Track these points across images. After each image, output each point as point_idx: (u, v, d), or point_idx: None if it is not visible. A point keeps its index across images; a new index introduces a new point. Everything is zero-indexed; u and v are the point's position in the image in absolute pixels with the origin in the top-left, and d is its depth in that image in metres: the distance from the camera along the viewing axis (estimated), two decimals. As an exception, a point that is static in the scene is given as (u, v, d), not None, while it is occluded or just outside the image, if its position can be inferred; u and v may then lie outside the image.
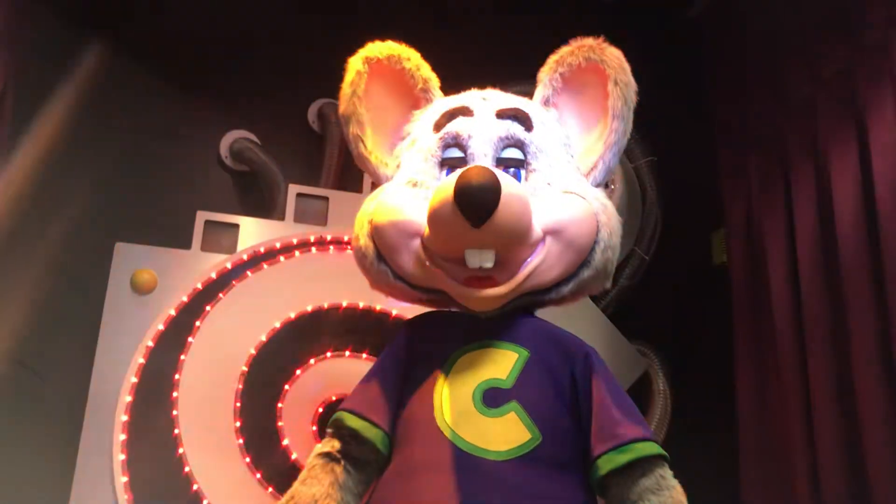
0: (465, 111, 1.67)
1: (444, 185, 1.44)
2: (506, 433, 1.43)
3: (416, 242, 1.56)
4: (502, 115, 1.65)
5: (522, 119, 1.66)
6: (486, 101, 1.70)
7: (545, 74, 1.74)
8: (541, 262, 1.54)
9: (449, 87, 1.80)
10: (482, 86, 1.80)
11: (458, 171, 1.43)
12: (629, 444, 1.43)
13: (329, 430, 1.57)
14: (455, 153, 1.63)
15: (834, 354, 2.26)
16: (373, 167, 1.72)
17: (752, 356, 2.59)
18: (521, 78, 2.56)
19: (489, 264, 1.46)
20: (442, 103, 1.74)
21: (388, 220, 1.57)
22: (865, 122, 2.21)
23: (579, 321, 2.16)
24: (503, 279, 1.51)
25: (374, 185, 1.77)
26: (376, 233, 1.59)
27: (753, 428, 2.54)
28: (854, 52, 2.27)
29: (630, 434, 1.44)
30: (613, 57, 1.66)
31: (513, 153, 1.63)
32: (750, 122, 2.74)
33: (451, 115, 1.67)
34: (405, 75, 1.75)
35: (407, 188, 1.62)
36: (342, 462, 1.52)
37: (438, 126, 1.67)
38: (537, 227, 1.53)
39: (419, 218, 1.54)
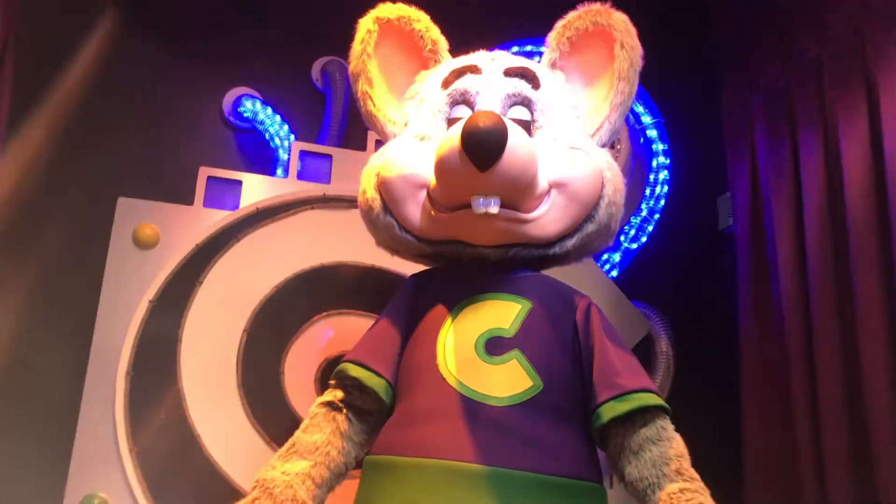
0: (473, 69, 1.69)
1: (452, 132, 1.46)
2: (507, 380, 1.44)
3: (423, 194, 1.58)
4: (510, 73, 1.68)
5: (530, 77, 1.69)
6: (494, 60, 1.73)
7: (553, 38, 1.78)
8: (545, 214, 1.55)
9: (457, 51, 1.81)
10: (489, 47, 1.81)
11: (465, 118, 1.44)
12: (631, 394, 1.44)
13: (332, 381, 1.58)
14: (463, 110, 1.65)
15: (839, 319, 2.25)
16: (380, 125, 1.75)
17: (756, 321, 2.58)
18: (528, 38, 2.56)
19: (494, 209, 1.46)
20: (451, 62, 1.77)
21: (395, 173, 1.59)
22: (875, 84, 2.18)
23: (584, 281, 2.16)
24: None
25: (380, 144, 1.78)
26: (384, 185, 1.61)
27: (757, 391, 2.53)
28: (864, 12, 2.24)
29: (632, 384, 1.45)
30: (620, 21, 1.70)
31: (520, 112, 1.65)
32: (757, 84, 2.71)
33: (459, 73, 1.69)
34: (414, 36, 1.78)
35: (414, 142, 1.64)
36: (344, 411, 1.54)
37: (447, 83, 1.69)
38: (543, 181, 1.54)
39: (426, 170, 1.56)
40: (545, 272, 1.68)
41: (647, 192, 2.74)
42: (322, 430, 1.51)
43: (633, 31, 1.70)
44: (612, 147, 2.38)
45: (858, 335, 2.15)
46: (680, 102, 2.84)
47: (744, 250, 2.68)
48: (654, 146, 2.74)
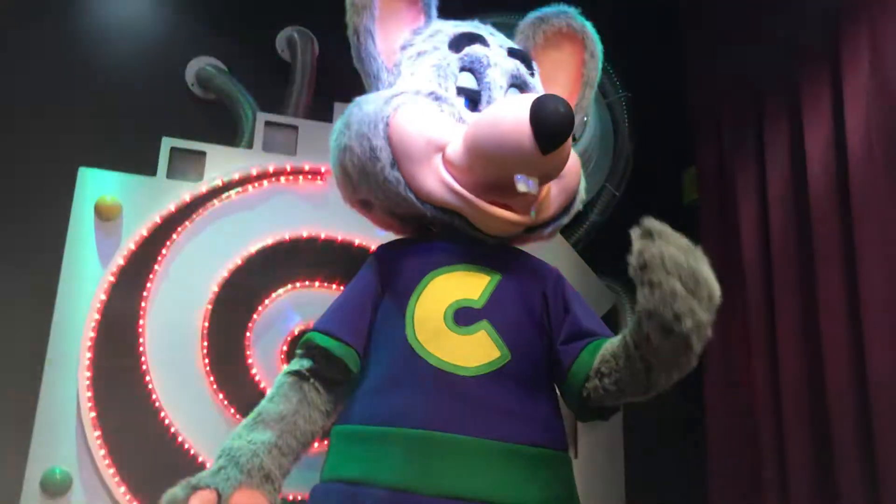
0: (481, 39, 1.69)
1: (515, 107, 1.42)
2: (476, 350, 1.44)
3: (438, 157, 1.53)
4: (513, 53, 1.71)
5: (528, 62, 1.73)
6: (493, 36, 1.74)
7: (528, 28, 1.81)
8: (542, 200, 1.57)
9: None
10: (455, 14, 1.80)
11: (526, 96, 1.44)
12: (592, 342, 1.45)
13: (299, 351, 1.56)
14: (468, 77, 1.65)
15: (801, 295, 2.29)
16: (375, 68, 1.67)
17: (721, 294, 2.61)
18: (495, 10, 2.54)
19: (535, 190, 1.45)
20: (452, 25, 1.75)
21: (417, 130, 1.52)
22: (840, 64, 2.21)
23: (550, 254, 2.16)
24: (521, 209, 1.52)
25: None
26: (399, 138, 1.52)
27: (719, 365, 2.57)
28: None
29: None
30: (590, 30, 1.79)
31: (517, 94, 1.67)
32: (724, 61, 2.73)
33: (469, 39, 1.68)
34: None
35: (430, 100, 1.58)
36: (311, 380, 1.51)
37: (456, 46, 1.67)
38: None
39: (444, 133, 1.53)
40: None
41: (612, 165, 2.75)
42: (289, 400, 1.48)
43: (599, 44, 1.79)
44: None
45: (819, 309, 2.19)
46: (645, 76, 2.85)
47: (708, 224, 2.72)
48: (619, 119, 2.75)
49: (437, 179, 1.52)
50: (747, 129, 2.58)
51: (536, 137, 1.37)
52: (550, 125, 1.37)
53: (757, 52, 2.57)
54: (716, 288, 1.18)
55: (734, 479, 2.44)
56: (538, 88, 1.71)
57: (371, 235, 1.81)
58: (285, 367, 1.56)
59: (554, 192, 1.59)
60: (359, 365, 1.52)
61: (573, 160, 1.61)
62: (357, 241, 2.35)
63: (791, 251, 2.34)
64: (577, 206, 1.70)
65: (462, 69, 1.64)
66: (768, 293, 2.41)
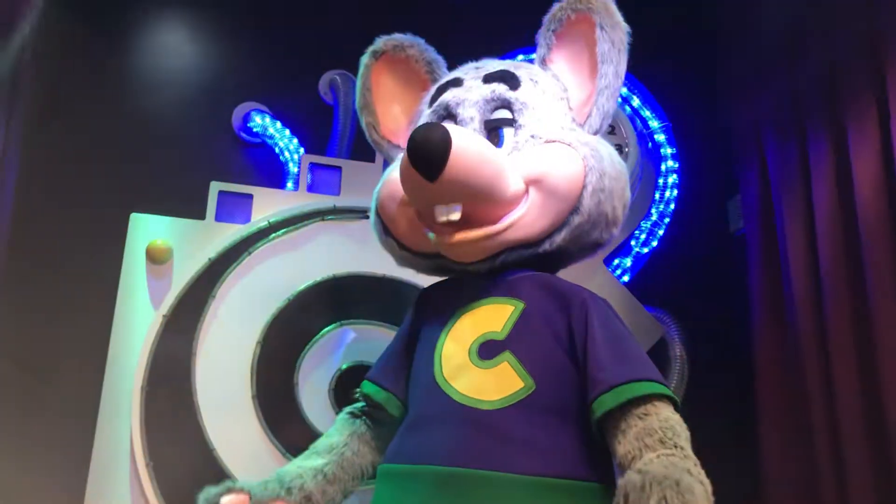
0: (456, 82, 1.74)
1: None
2: (499, 383, 1.45)
3: (411, 210, 1.62)
4: (489, 78, 1.71)
5: (509, 79, 1.70)
6: (478, 69, 1.77)
7: (540, 34, 1.82)
8: (524, 215, 1.55)
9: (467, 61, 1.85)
10: (497, 57, 1.85)
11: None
12: (621, 387, 1.39)
13: (356, 394, 1.70)
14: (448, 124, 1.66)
15: (854, 321, 2.23)
16: (385, 150, 1.87)
17: (770, 323, 2.57)
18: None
19: (455, 217, 1.49)
20: (442, 80, 1.81)
21: (386, 192, 1.66)
22: (885, 87, 2.17)
23: (595, 287, 2.15)
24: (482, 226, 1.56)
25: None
26: (380, 206, 1.67)
27: (771, 394, 2.52)
28: (874, 16, 2.23)
29: (620, 377, 1.40)
30: (599, 3, 1.69)
31: (502, 114, 1.67)
32: (764, 85, 2.71)
33: (442, 89, 1.74)
34: (410, 62, 1.87)
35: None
36: (363, 418, 1.65)
37: (433, 101, 1.75)
38: (519, 180, 1.55)
39: None
40: (560, 272, 1.70)
41: (657, 195, 2.73)
42: (341, 433, 1.61)
43: (613, 9, 1.69)
44: (620, 151, 2.39)
45: (874, 335, 2.13)
46: (688, 105, 2.84)
47: (755, 253, 2.68)
48: (662, 150, 2.74)
49: (413, 229, 1.63)
50: (791, 155, 2.55)
51: (416, 168, 1.43)
52: (420, 153, 1.42)
53: (797, 74, 2.54)
54: None
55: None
56: (524, 100, 1.67)
57: (415, 272, 1.83)
58: (346, 408, 1.69)
59: (538, 200, 1.56)
60: (399, 408, 1.60)
61: (558, 157, 1.57)
62: (402, 278, 2.37)
63: (841, 276, 2.28)
64: (592, 199, 1.58)
65: (440, 119, 1.70)
66: (820, 321, 2.35)
